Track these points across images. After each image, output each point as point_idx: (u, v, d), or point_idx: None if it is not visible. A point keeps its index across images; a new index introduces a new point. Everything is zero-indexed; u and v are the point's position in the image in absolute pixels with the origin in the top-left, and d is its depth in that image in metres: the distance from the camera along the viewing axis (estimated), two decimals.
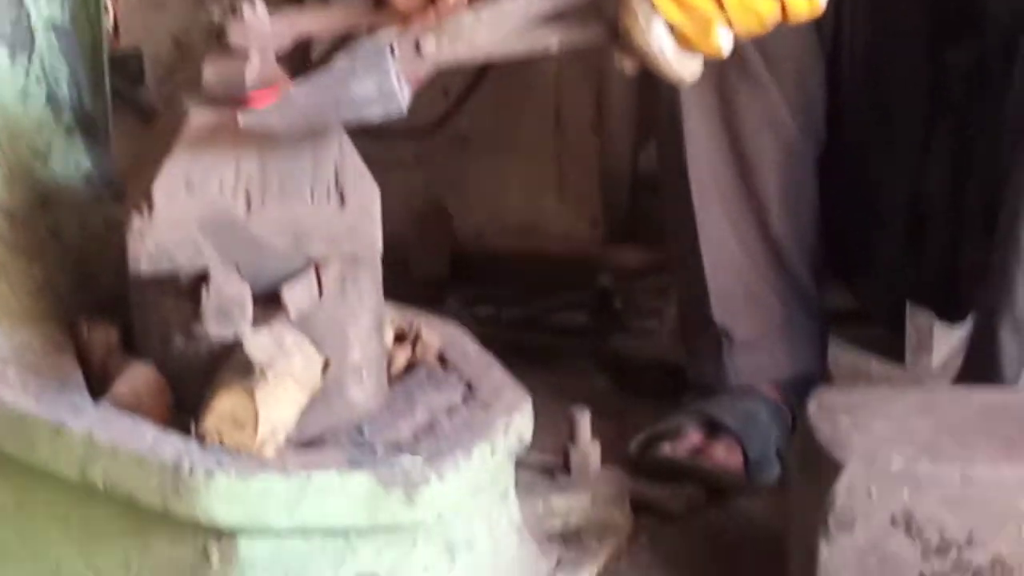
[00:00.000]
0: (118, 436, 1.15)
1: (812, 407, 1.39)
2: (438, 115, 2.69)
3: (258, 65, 1.24)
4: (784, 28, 1.73)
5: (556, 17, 1.28)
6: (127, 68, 2.65)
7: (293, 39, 1.29)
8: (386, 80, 1.19)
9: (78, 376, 1.24)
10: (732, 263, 1.84)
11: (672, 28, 1.22)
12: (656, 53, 1.22)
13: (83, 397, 1.20)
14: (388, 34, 1.23)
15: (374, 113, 1.20)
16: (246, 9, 1.25)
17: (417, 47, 1.22)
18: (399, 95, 1.20)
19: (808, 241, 1.88)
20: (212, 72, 1.24)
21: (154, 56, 3.09)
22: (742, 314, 1.84)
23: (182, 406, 1.21)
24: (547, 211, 2.74)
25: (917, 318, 2.08)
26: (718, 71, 1.76)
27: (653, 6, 1.21)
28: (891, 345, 2.12)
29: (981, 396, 1.43)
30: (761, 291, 1.85)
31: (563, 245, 2.70)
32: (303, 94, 1.20)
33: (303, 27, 1.31)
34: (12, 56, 1.38)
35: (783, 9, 1.22)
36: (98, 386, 1.23)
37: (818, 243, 1.90)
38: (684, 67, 1.25)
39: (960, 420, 1.35)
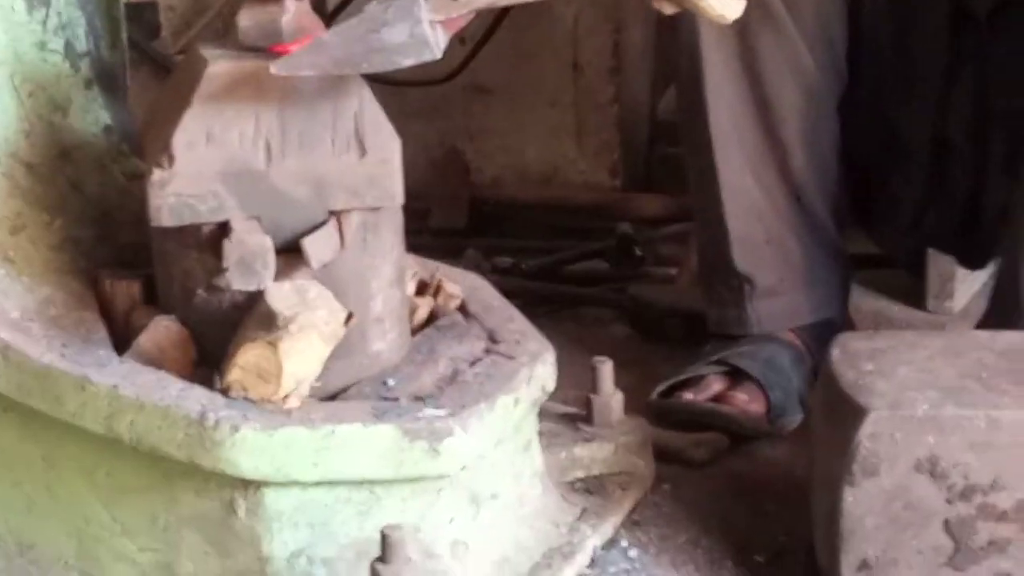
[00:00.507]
0: (143, 390, 1.15)
1: (835, 353, 1.38)
2: (455, 64, 2.68)
3: (294, 12, 1.23)
4: None
5: None
6: (143, 19, 2.64)
7: None
8: (418, 26, 1.18)
9: (102, 330, 1.24)
10: (753, 209, 1.83)
11: None
12: None
13: (107, 351, 1.20)
14: None
15: (406, 60, 1.19)
16: None
17: None
18: (432, 41, 1.19)
19: (830, 186, 1.87)
20: (248, 20, 1.24)
21: (169, 6, 3.08)
22: (764, 261, 1.84)
23: (206, 359, 1.21)
24: (566, 159, 2.73)
25: (938, 263, 2.07)
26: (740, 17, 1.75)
27: None
28: (912, 290, 2.12)
29: (1005, 339, 1.42)
30: (783, 237, 1.84)
31: (582, 193, 2.69)
32: (335, 41, 1.19)
33: None
34: (30, 8, 1.37)
35: None
36: (122, 340, 1.23)
37: (840, 188, 1.89)
38: (724, 3, 1.23)
39: (984, 364, 1.34)
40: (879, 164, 1.91)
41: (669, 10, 1.25)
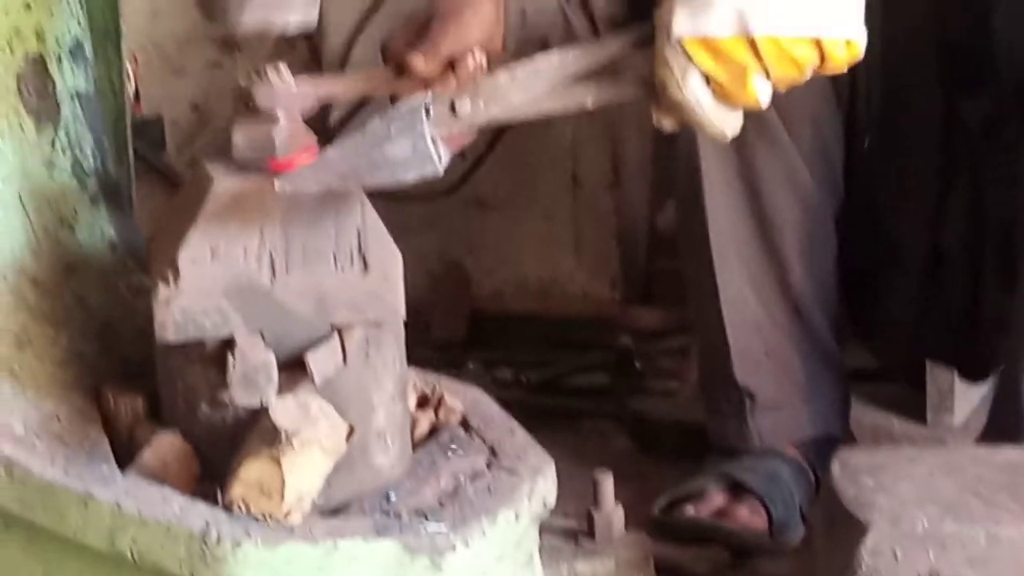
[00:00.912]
0: (145, 505, 1.15)
1: (836, 468, 1.38)
2: (456, 177, 2.71)
3: (287, 128, 1.25)
4: (799, 86, 1.75)
5: (590, 74, 1.28)
6: (148, 134, 2.68)
7: (317, 102, 1.30)
8: (421, 141, 1.20)
9: (105, 445, 1.24)
10: (753, 322, 1.84)
11: (708, 80, 1.20)
12: (693, 105, 1.20)
13: (110, 466, 1.20)
14: (423, 96, 1.24)
15: (410, 175, 1.20)
16: (271, 72, 1.26)
17: (453, 108, 1.23)
18: (435, 156, 1.20)
19: (829, 299, 1.88)
20: (241, 137, 1.25)
21: (174, 121, 3.12)
22: (764, 374, 1.85)
23: (208, 474, 1.21)
24: (565, 272, 2.75)
25: (937, 376, 2.08)
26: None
27: (688, 57, 1.18)
28: (912, 404, 2.12)
29: (1005, 455, 1.42)
30: (783, 350, 1.85)
31: (582, 306, 2.71)
32: (338, 156, 1.20)
33: (326, 90, 1.32)
34: (38, 126, 1.39)
35: (821, 56, 1.20)
36: (125, 455, 1.23)
37: (838, 301, 1.90)
38: (723, 120, 1.22)
39: (984, 480, 1.35)
40: (877, 276, 1.92)
41: (670, 127, 1.25)
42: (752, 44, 1.17)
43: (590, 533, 1.52)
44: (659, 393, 2.31)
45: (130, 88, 1.82)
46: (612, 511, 1.53)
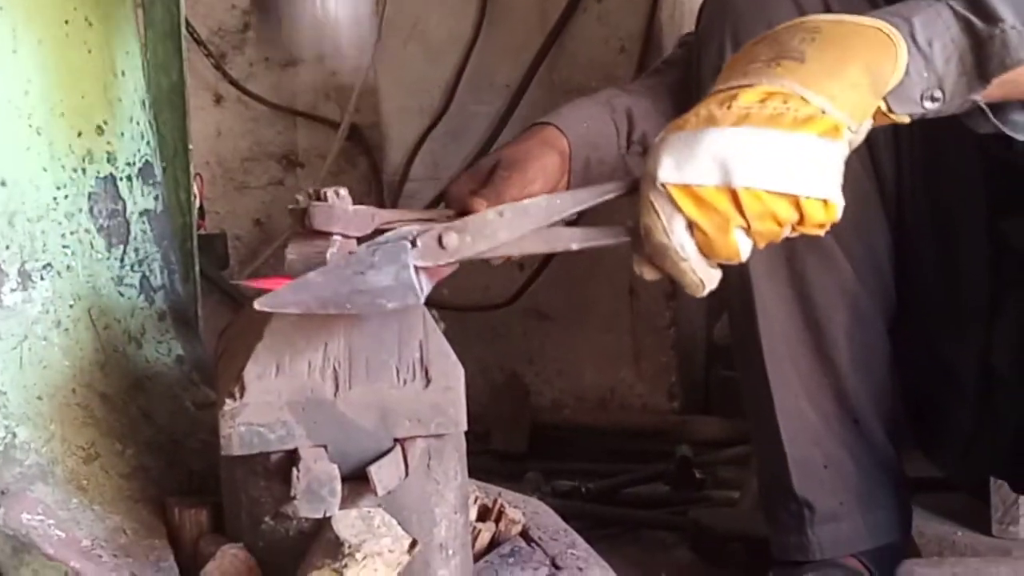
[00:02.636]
0: None
1: None
2: (514, 289, 2.73)
3: (340, 246, 1.27)
4: (850, 201, 1.76)
5: (577, 218, 1.31)
6: (213, 249, 2.73)
7: (374, 226, 1.32)
8: (404, 272, 1.21)
9: (170, 558, 1.25)
10: (810, 433, 1.83)
11: (692, 229, 1.20)
12: (677, 250, 1.21)
13: None
14: (411, 228, 1.25)
15: (391, 303, 1.21)
16: (330, 194, 1.29)
17: (440, 241, 1.24)
18: (416, 287, 1.21)
19: (885, 408, 1.87)
20: (295, 254, 1.28)
21: (237, 237, 3.18)
22: (823, 485, 1.83)
23: None
24: (624, 382, 2.76)
25: (1001, 487, 2.05)
26: (788, 242, 1.78)
27: (674, 204, 1.20)
28: (977, 514, 2.09)
29: None
30: (841, 461, 1.84)
31: (641, 416, 2.71)
32: (320, 280, 1.21)
33: (384, 219, 1.34)
34: (108, 246, 1.43)
35: (800, 215, 1.21)
36: (190, 568, 1.24)
37: (895, 410, 1.89)
38: (703, 272, 1.23)
39: None
40: (931, 391, 1.91)
41: (650, 277, 1.26)
42: (734, 196, 1.19)
43: None
44: (720, 503, 2.30)
45: (195, 205, 1.86)
46: None
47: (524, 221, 1.26)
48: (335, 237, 1.27)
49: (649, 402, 2.75)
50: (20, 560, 1.22)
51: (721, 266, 1.24)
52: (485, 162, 1.61)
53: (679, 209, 1.20)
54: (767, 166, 1.18)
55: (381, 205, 1.33)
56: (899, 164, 1.80)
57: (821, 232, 1.24)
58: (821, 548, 1.82)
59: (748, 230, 1.20)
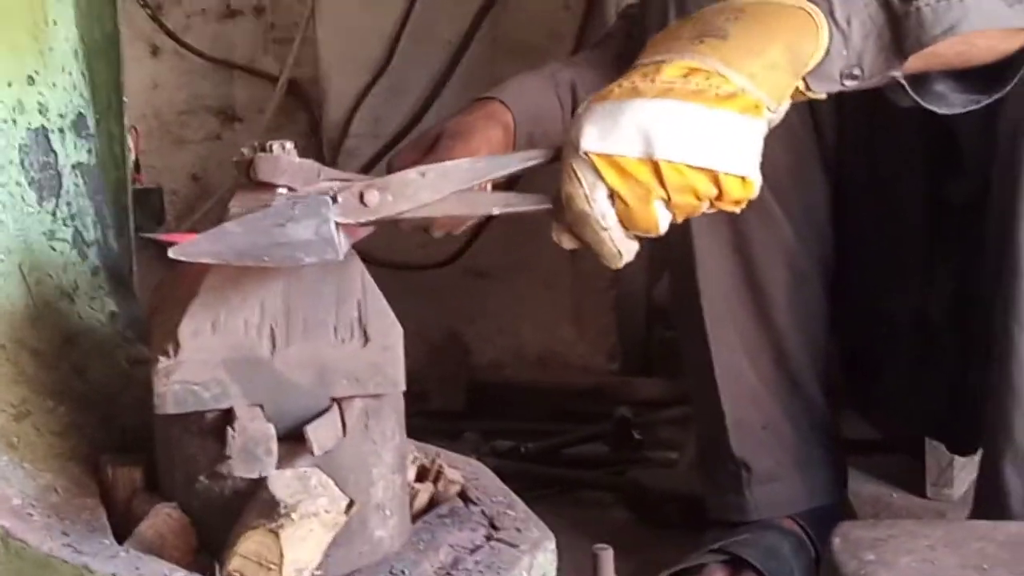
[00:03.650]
0: None
1: (836, 542, 1.38)
2: (454, 248, 2.72)
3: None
4: (790, 160, 1.77)
5: (498, 184, 1.29)
6: (148, 204, 2.70)
7: (318, 180, 1.30)
8: (325, 226, 1.19)
9: (103, 517, 1.23)
10: (749, 394, 1.84)
11: (613, 198, 1.20)
12: (598, 218, 1.20)
13: (108, 539, 1.20)
14: (332, 184, 1.24)
15: (309, 257, 1.19)
16: (276, 146, 1.27)
17: (361, 198, 1.22)
18: (336, 242, 1.20)
19: (824, 369, 1.89)
20: (239, 205, 1.25)
21: (174, 192, 3.14)
22: (761, 446, 1.84)
23: (207, 546, 1.21)
24: (564, 342, 2.76)
25: (937, 448, 2.07)
26: None
27: (596, 172, 1.19)
28: (912, 476, 2.12)
29: (1007, 530, 1.41)
30: (779, 422, 1.85)
31: (581, 377, 2.71)
32: (238, 231, 1.19)
33: (330, 176, 1.32)
34: (40, 199, 1.40)
35: (719, 191, 1.21)
36: (123, 527, 1.22)
37: (833, 371, 1.90)
38: (623, 242, 1.23)
39: (986, 555, 1.34)
40: (870, 349, 1.93)
41: (568, 245, 1.25)
42: (656, 168, 1.19)
43: None
44: (659, 464, 2.31)
45: (130, 159, 1.83)
46: None
47: (446, 183, 1.24)
48: (280, 189, 1.25)
49: (589, 362, 2.75)
50: None
51: (639, 238, 1.23)
52: (429, 133, 1.61)
53: (602, 178, 1.19)
54: (689, 140, 1.19)
55: (321, 161, 1.31)
56: (840, 121, 1.80)
57: (737, 209, 1.25)
58: (758, 508, 1.83)
59: (668, 202, 1.20)
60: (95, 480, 1.30)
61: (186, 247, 1.19)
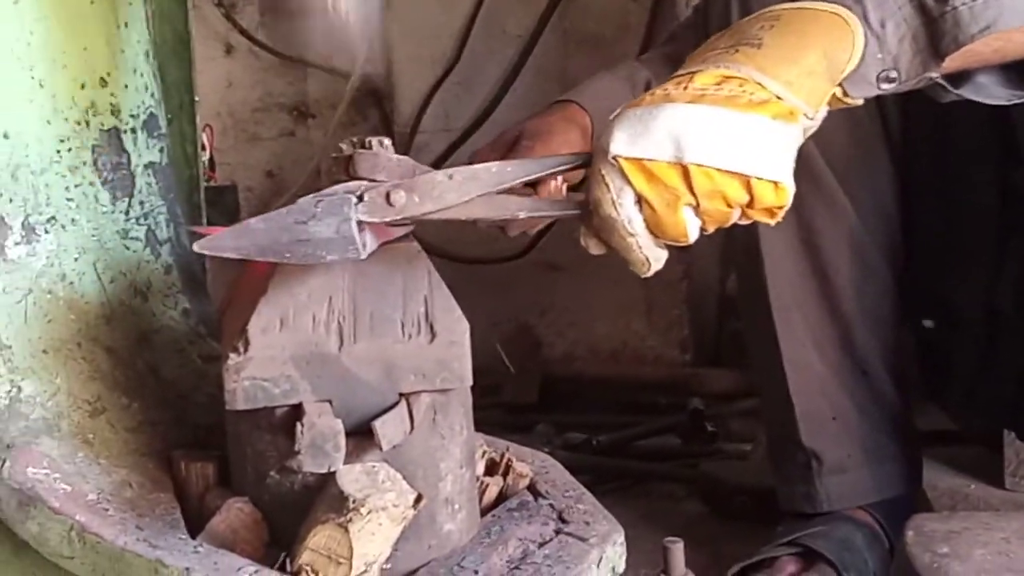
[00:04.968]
0: (215, 572, 1.15)
1: (910, 534, 1.37)
2: (526, 241, 2.72)
3: None
4: (856, 149, 1.75)
5: (526, 187, 1.29)
6: (222, 201, 2.72)
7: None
8: (346, 225, 1.20)
9: (176, 512, 1.25)
10: (818, 385, 1.83)
11: (641, 204, 1.19)
12: (625, 224, 1.19)
13: (181, 533, 1.21)
14: (360, 183, 1.24)
15: (330, 256, 1.20)
16: (374, 142, 1.28)
17: (388, 198, 1.22)
18: (357, 241, 1.20)
19: (894, 359, 1.87)
20: None
21: (248, 188, 3.17)
22: (830, 437, 1.83)
23: (277, 541, 1.22)
24: (636, 335, 2.75)
25: (1015, 440, 2.04)
26: (795, 192, 1.76)
27: (624, 177, 1.18)
28: (989, 467, 2.09)
29: None
30: (849, 412, 1.84)
31: (653, 368, 2.71)
32: (260, 227, 1.20)
33: (423, 171, 1.32)
34: (113, 199, 1.42)
35: (750, 197, 1.19)
36: (196, 521, 1.24)
37: (905, 361, 1.89)
38: (651, 249, 1.22)
39: None
40: (940, 339, 1.90)
41: (595, 250, 1.25)
42: (685, 173, 1.17)
43: None
44: (731, 456, 2.30)
45: (204, 157, 1.85)
46: None
47: (473, 185, 1.24)
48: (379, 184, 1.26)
49: (661, 354, 2.74)
50: (26, 514, 1.22)
51: (668, 247, 1.22)
52: (508, 133, 1.62)
53: (629, 183, 1.18)
54: (720, 144, 1.17)
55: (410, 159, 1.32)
56: (906, 111, 1.78)
57: (771, 219, 1.22)
58: (829, 500, 1.82)
59: (697, 209, 1.19)
60: (169, 476, 1.32)
61: (210, 241, 1.21)
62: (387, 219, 1.22)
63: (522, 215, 1.26)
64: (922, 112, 1.77)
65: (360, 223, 1.21)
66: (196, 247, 1.20)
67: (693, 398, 2.47)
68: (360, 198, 1.21)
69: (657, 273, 2.75)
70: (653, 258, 1.22)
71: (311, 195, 1.22)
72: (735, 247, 1.88)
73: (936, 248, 1.84)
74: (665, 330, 2.73)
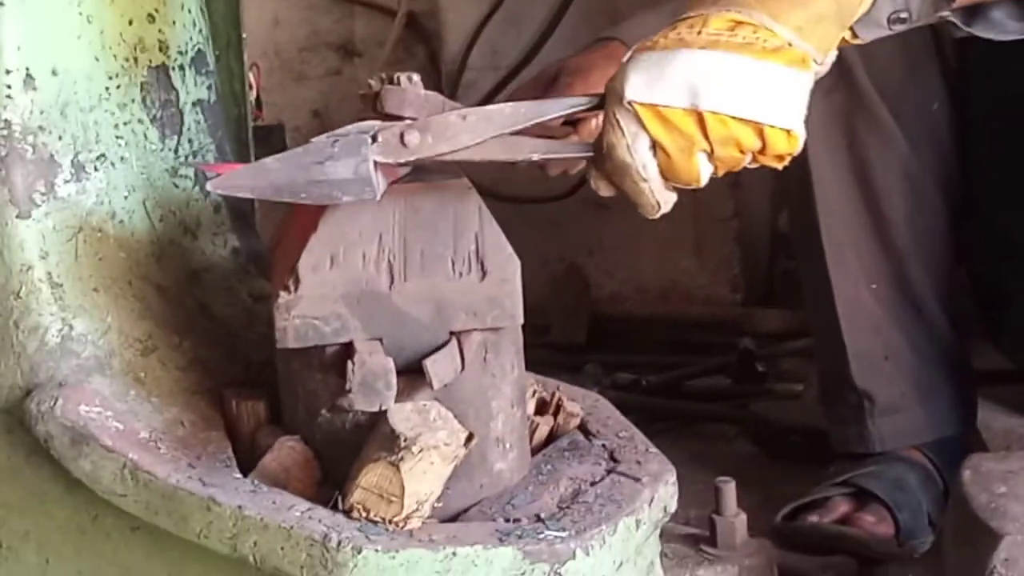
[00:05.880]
0: (267, 511, 1.16)
1: (967, 474, 1.36)
2: (574, 180, 2.70)
3: None
4: (911, 82, 1.71)
5: (540, 129, 1.28)
6: (270, 141, 2.71)
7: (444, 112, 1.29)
8: (364, 165, 1.19)
9: (228, 450, 1.25)
10: (870, 322, 1.81)
11: (655, 149, 1.18)
12: (639, 168, 1.18)
13: (233, 471, 1.22)
14: (372, 123, 1.23)
15: (347, 196, 1.19)
16: (403, 78, 1.27)
17: (401, 138, 1.21)
18: (374, 181, 1.19)
19: (949, 296, 1.84)
20: None
21: (295, 128, 3.16)
22: (883, 376, 1.81)
23: (329, 479, 1.22)
24: (686, 274, 2.73)
25: None
26: (847, 126, 1.74)
27: (639, 122, 1.18)
28: None
29: None
30: (902, 351, 1.82)
31: (703, 308, 2.69)
32: (277, 167, 1.20)
33: (453, 105, 1.31)
34: (162, 137, 1.42)
35: (763, 144, 1.18)
36: (247, 460, 1.24)
37: (960, 299, 1.86)
38: (662, 193, 1.21)
39: None
40: (997, 277, 1.88)
41: (606, 193, 1.24)
42: (700, 120, 1.17)
43: (712, 540, 1.50)
44: (782, 396, 2.28)
45: (251, 96, 1.84)
46: (735, 518, 1.51)
47: (487, 126, 1.23)
48: (407, 121, 1.25)
49: (711, 293, 2.72)
50: (79, 451, 1.23)
51: (677, 189, 1.21)
52: (548, 70, 1.61)
53: (644, 128, 1.18)
54: (735, 92, 1.17)
55: (440, 94, 1.31)
56: (963, 42, 1.75)
57: (779, 164, 1.22)
58: (881, 440, 1.81)
59: (711, 155, 1.18)
60: (220, 414, 1.32)
61: (225, 180, 1.21)
62: (401, 160, 1.21)
63: (535, 156, 1.25)
64: (979, 44, 1.74)
65: (375, 163, 1.20)
66: (210, 186, 1.20)
67: (743, 338, 2.45)
68: (374, 138, 1.20)
69: (707, 211, 2.74)
70: (663, 201, 1.22)
71: (325, 135, 1.21)
72: (787, 184, 1.86)
73: (993, 183, 1.81)
74: (715, 269, 2.71)
